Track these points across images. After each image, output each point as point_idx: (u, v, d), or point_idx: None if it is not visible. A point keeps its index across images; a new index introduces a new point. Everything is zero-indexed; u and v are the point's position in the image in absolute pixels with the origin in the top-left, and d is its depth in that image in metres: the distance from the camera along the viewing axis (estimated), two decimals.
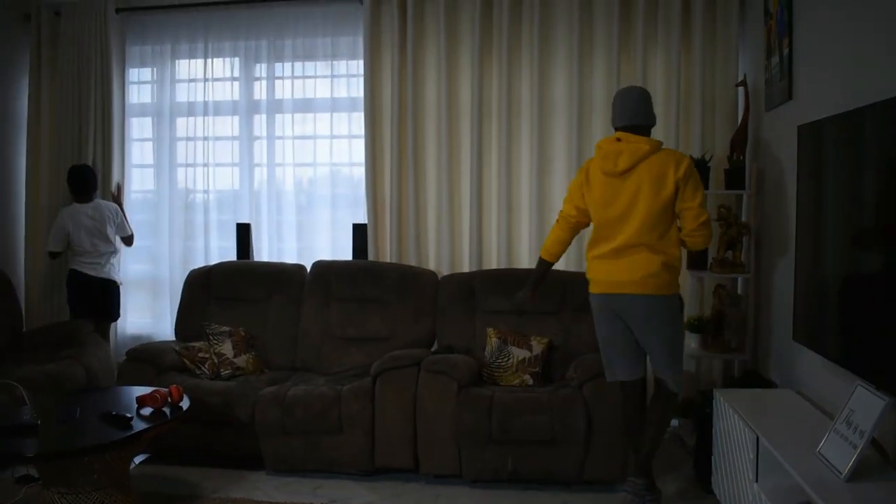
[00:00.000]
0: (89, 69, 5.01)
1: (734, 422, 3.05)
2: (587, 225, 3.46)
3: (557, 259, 3.58)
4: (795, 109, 3.46)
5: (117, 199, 5.04)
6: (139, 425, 3.06)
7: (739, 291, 4.31)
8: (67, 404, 3.36)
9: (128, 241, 5.02)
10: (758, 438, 2.76)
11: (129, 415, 3.10)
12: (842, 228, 2.68)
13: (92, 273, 4.79)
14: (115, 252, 4.89)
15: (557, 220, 3.51)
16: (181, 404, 3.34)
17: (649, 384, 3.54)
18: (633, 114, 3.22)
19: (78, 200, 4.79)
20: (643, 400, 3.55)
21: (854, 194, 2.58)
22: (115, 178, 5.07)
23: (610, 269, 3.23)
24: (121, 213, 4.94)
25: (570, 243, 3.54)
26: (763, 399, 3.24)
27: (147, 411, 3.24)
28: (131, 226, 5.00)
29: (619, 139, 3.20)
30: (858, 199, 2.54)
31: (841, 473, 2.27)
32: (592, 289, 3.35)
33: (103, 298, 4.85)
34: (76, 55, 5.03)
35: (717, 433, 3.34)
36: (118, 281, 4.94)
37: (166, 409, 3.28)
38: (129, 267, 5.23)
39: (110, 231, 4.83)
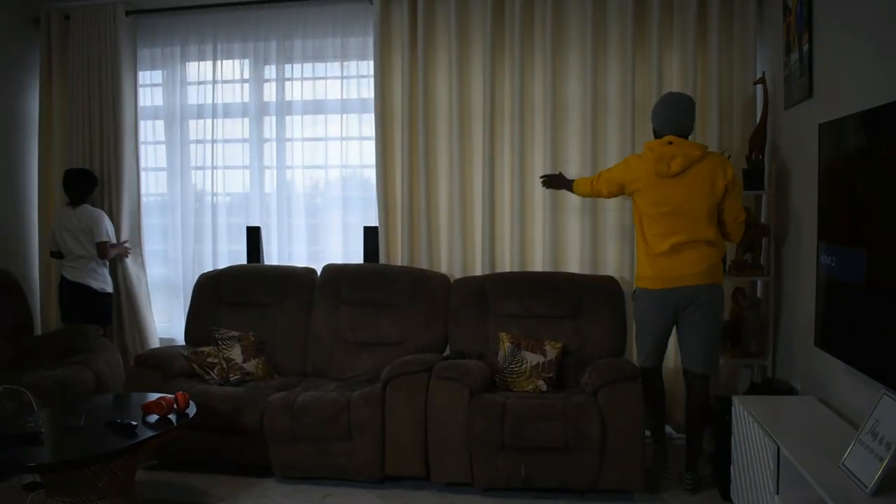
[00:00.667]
0: (99, 72, 4.99)
1: (754, 431, 2.95)
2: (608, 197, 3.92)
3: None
4: (816, 107, 3.35)
5: (119, 248, 4.95)
6: (144, 433, 3.02)
7: (759, 295, 4.19)
8: (73, 411, 3.32)
9: (100, 250, 4.76)
10: (779, 449, 2.66)
11: (133, 422, 3.06)
12: (868, 230, 2.58)
13: (68, 277, 4.75)
14: (95, 258, 4.77)
15: (593, 182, 3.84)
16: (187, 411, 3.30)
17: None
18: (682, 125, 3.56)
19: (69, 203, 4.80)
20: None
21: (881, 195, 2.47)
22: (127, 181, 5.02)
23: (672, 266, 3.53)
24: (104, 221, 4.80)
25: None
26: (784, 407, 3.14)
27: (153, 419, 3.20)
28: (115, 235, 4.89)
29: (670, 142, 3.51)
30: (886, 199, 2.43)
31: (866, 487, 2.17)
32: (651, 285, 3.59)
33: (80, 303, 4.76)
34: (86, 58, 5.01)
35: (737, 442, 3.24)
36: (98, 288, 4.79)
37: (172, 417, 3.23)
38: (148, 270, 5.20)
39: (97, 235, 4.77)
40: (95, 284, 4.77)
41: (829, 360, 2.99)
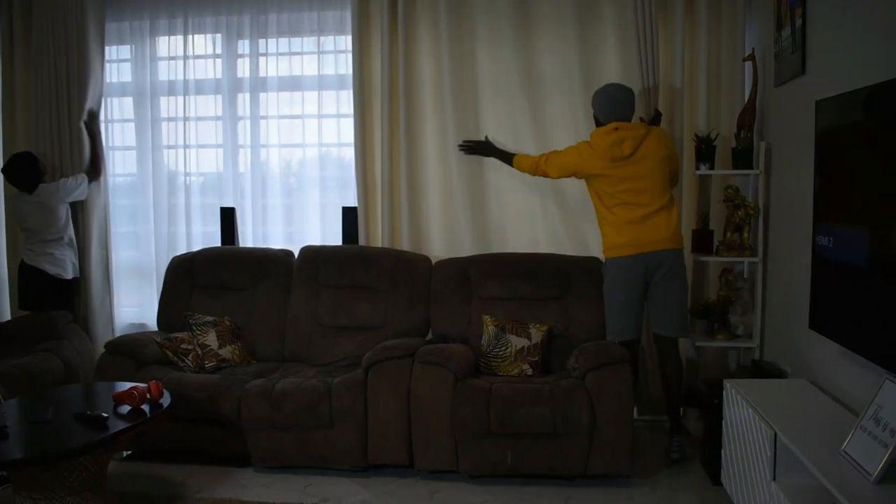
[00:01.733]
0: (66, 47, 4.72)
1: (748, 415, 2.89)
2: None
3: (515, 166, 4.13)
4: (809, 84, 3.26)
5: (90, 127, 4.72)
6: (116, 426, 2.88)
7: (746, 276, 4.13)
8: (41, 403, 3.16)
9: (92, 174, 4.69)
10: (776, 435, 2.59)
11: (104, 414, 2.91)
12: (867, 209, 2.50)
13: (26, 260, 4.54)
14: (54, 241, 4.52)
15: (539, 162, 3.97)
16: (161, 401, 3.16)
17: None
18: (624, 116, 3.81)
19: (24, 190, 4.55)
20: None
21: (882, 172, 2.39)
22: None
23: (642, 231, 3.72)
24: (66, 182, 4.55)
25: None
26: (777, 390, 3.07)
27: (124, 409, 3.05)
28: (84, 178, 4.64)
29: (616, 128, 3.74)
30: (887, 177, 2.35)
31: (870, 475, 2.11)
32: (623, 252, 3.75)
33: (35, 288, 4.51)
34: (51, 33, 4.72)
35: (728, 426, 3.17)
36: (54, 273, 4.51)
37: (145, 407, 3.09)
38: (117, 254, 5.01)
39: (62, 210, 4.54)
40: (51, 269, 4.51)
41: (823, 343, 2.92)
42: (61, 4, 4.69)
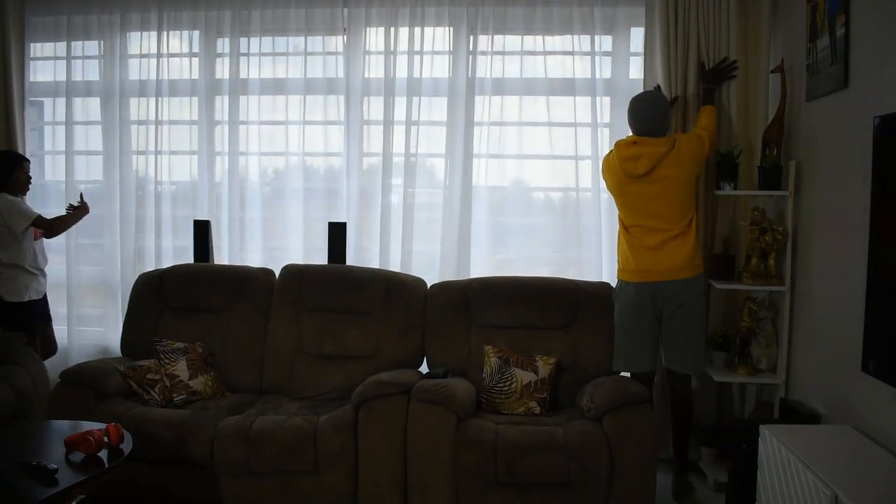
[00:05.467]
0: (4, 42, 4.29)
1: (794, 469, 2.54)
2: None
3: None
4: (854, 98, 2.96)
5: (78, 208, 4.20)
6: (66, 479, 2.44)
7: (770, 305, 3.80)
8: None
9: (40, 227, 4.02)
10: (836, 497, 2.24)
11: (53, 466, 2.48)
12: None
13: None
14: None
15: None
16: (122, 446, 2.73)
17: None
18: (650, 130, 3.46)
19: None
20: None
21: None
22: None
23: (654, 259, 3.44)
24: (21, 204, 4.00)
25: None
26: (823, 440, 2.73)
27: (78, 457, 2.62)
28: (21, 220, 3.95)
29: (634, 142, 3.46)
30: None
31: None
32: (630, 277, 3.51)
33: None
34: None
35: (766, 477, 2.82)
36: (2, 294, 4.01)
37: (103, 454, 2.66)
38: (78, 268, 4.58)
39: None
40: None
41: (875, 386, 2.59)
42: None
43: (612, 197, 3.69)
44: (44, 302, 4.23)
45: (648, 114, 3.49)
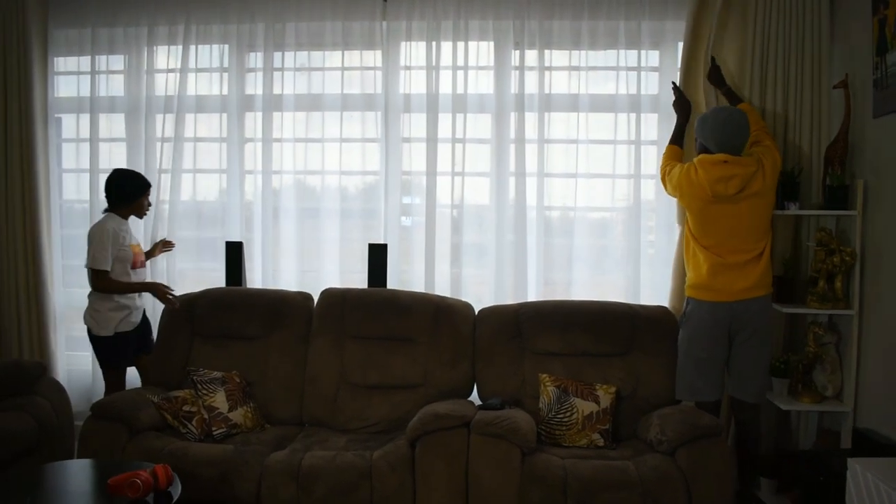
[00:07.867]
0: (27, 56, 4.12)
1: None
2: None
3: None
4: None
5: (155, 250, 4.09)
6: None
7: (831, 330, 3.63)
8: (17, 488, 2.50)
9: (95, 286, 3.73)
10: None
11: None
12: None
13: None
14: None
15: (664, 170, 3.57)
16: (170, 489, 2.52)
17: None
18: (736, 147, 3.30)
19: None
20: None
21: None
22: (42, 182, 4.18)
23: (734, 278, 3.30)
24: (102, 243, 3.67)
25: None
26: None
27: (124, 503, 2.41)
28: (90, 258, 3.69)
29: (725, 161, 3.27)
30: None
31: None
32: (709, 296, 3.33)
33: None
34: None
35: None
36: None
37: (149, 500, 2.45)
38: None
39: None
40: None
41: None
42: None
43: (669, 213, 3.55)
44: (137, 332, 3.86)
45: (740, 130, 3.30)
